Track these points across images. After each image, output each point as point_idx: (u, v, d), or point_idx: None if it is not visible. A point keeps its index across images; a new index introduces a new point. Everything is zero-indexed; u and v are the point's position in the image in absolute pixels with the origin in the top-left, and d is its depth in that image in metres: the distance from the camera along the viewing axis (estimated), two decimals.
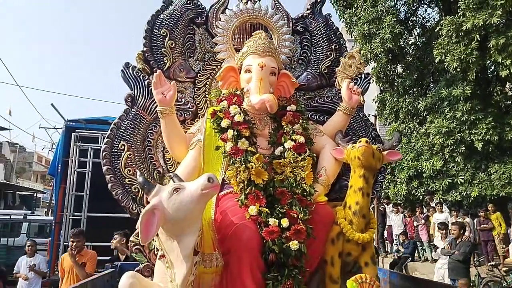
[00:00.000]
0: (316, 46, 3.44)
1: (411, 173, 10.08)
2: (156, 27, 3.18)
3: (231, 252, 2.38)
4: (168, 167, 3.09)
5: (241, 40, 3.25)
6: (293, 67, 3.44)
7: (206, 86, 3.29)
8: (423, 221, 10.15)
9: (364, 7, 10.21)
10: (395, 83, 11.06)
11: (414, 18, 11.35)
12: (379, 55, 10.15)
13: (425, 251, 10.10)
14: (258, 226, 2.42)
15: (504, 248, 9.04)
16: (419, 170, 9.87)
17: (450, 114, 8.73)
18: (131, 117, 3.05)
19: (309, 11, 3.51)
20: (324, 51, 3.41)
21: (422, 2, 11.19)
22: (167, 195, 2.12)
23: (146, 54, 3.15)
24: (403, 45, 10.65)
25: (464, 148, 8.70)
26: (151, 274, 2.55)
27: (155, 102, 2.81)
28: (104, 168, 2.95)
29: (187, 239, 2.13)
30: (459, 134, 8.62)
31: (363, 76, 3.32)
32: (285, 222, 2.43)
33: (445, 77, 9.46)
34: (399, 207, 11.24)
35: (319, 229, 2.55)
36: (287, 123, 2.85)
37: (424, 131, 9.66)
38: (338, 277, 2.63)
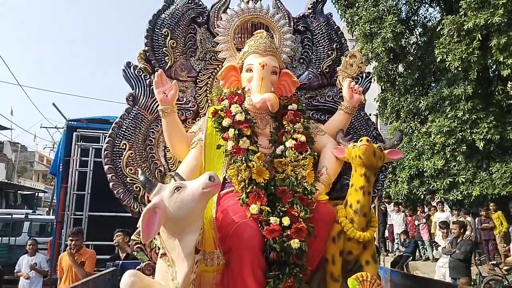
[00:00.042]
0: (317, 45, 3.44)
1: (412, 172, 10.08)
2: (158, 27, 3.18)
3: (232, 251, 2.38)
4: (169, 166, 3.10)
5: (243, 39, 3.25)
6: (294, 66, 3.44)
7: (208, 85, 3.30)
8: (424, 220, 10.15)
9: (365, 6, 10.21)
10: (397, 83, 11.05)
11: (416, 17, 11.35)
12: (380, 55, 10.15)
13: (426, 250, 10.10)
14: (259, 225, 2.43)
15: (505, 247, 9.04)
16: (420, 169, 9.87)
17: (451, 113, 8.73)
18: (132, 116, 3.06)
19: (310, 11, 3.51)
20: (325, 51, 3.42)
21: (424, 1, 11.19)
22: (169, 193, 2.13)
23: (148, 54, 3.15)
24: (404, 45, 10.64)
25: (465, 147, 8.70)
26: (153, 273, 2.55)
27: (157, 101, 2.82)
28: (106, 167, 2.95)
29: (188, 237, 2.14)
30: (460, 133, 8.62)
31: (364, 75, 3.32)
32: (286, 221, 2.44)
33: (446, 77, 9.46)
34: (400, 206, 11.24)
35: (320, 227, 2.55)
36: (288, 122, 2.85)
37: (425, 130, 9.66)
38: (339, 276, 2.64)
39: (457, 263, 6.75)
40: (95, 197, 6.93)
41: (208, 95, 3.26)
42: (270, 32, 3.21)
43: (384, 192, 11.24)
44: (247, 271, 2.34)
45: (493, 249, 9.30)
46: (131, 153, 2.98)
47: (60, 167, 7.60)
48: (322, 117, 3.25)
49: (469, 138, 8.52)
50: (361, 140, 2.62)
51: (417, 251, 10.41)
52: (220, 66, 3.18)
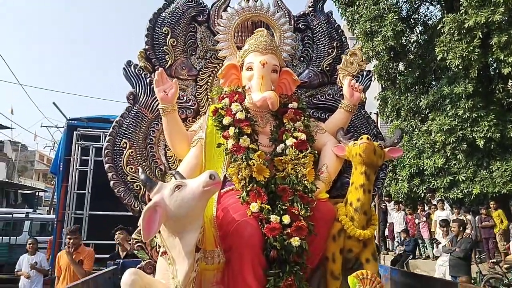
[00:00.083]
0: (318, 43, 3.44)
1: (412, 171, 10.08)
2: (158, 25, 3.18)
3: (233, 249, 2.39)
4: (170, 164, 3.10)
5: (243, 38, 3.24)
6: (295, 64, 3.43)
7: (208, 84, 3.29)
8: (424, 218, 10.16)
9: (365, 4, 10.21)
10: (397, 81, 11.06)
11: (416, 15, 11.35)
12: (381, 53, 10.16)
13: (426, 249, 10.12)
14: (259, 223, 2.43)
15: (505, 245, 9.05)
16: (421, 168, 9.87)
17: (452, 111, 8.73)
18: (133, 115, 3.06)
19: (310, 9, 3.50)
20: (326, 49, 3.41)
21: None
22: (169, 192, 2.13)
23: (148, 52, 3.15)
24: (405, 43, 10.65)
25: (465, 145, 8.71)
26: (153, 271, 2.56)
27: (157, 100, 2.81)
28: (106, 166, 2.95)
29: (189, 236, 2.14)
30: (460, 132, 8.62)
31: (364, 73, 3.32)
32: (286, 219, 2.44)
33: (447, 75, 9.45)
34: (400, 205, 11.25)
35: (321, 225, 2.56)
36: (288, 120, 2.85)
37: (425, 128, 9.67)
38: (339, 274, 2.64)
39: (457, 261, 6.76)
40: (95, 196, 6.95)
41: (208, 93, 3.26)
42: (270, 30, 3.20)
43: (384, 191, 11.25)
44: (247, 269, 2.34)
45: (493, 247, 9.31)
46: (132, 152, 2.98)
47: (61, 166, 7.62)
48: (322, 115, 3.25)
49: (470, 136, 8.53)
50: (362, 138, 2.63)
51: (417, 249, 10.42)
52: (220, 64, 3.17)
